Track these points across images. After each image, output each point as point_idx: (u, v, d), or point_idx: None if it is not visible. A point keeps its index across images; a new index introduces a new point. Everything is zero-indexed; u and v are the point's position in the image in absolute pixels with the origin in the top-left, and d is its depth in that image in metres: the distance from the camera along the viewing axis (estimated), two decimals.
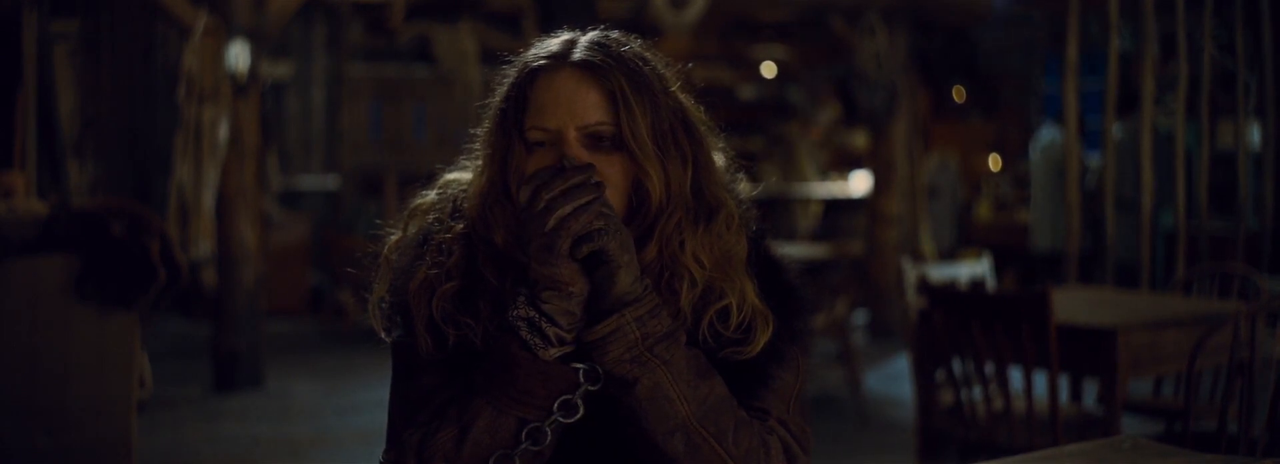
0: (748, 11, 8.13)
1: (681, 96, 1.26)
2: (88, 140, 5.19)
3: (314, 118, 8.90)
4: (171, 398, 5.12)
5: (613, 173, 1.17)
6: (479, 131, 1.27)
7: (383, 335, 1.26)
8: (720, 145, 1.29)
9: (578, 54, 1.20)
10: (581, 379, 1.13)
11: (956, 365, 3.05)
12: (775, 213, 9.08)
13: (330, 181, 8.77)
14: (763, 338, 1.21)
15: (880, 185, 7.32)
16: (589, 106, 1.17)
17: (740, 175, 1.32)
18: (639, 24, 7.81)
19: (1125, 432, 2.91)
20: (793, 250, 5.83)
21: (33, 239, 2.62)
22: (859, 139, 9.52)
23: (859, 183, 8.89)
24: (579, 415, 1.13)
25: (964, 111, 10.27)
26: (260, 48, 5.39)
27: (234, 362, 5.41)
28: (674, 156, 1.19)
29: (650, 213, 1.18)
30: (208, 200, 5.21)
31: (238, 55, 5.25)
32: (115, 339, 2.63)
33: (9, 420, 2.55)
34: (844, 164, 9.79)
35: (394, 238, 1.31)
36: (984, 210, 9.48)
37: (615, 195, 1.17)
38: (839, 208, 9.30)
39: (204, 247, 5.23)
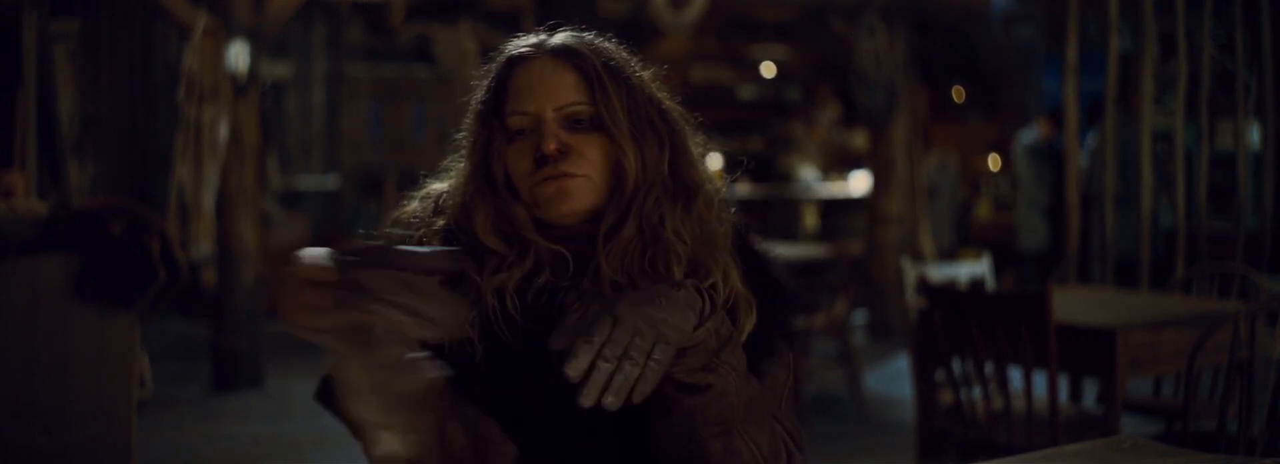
0: (747, 11, 8.14)
1: (658, 91, 1.28)
2: (88, 140, 5.19)
3: (314, 118, 8.90)
4: (171, 398, 5.12)
5: (591, 152, 1.19)
6: (460, 132, 1.29)
7: None
8: (699, 138, 1.30)
9: (553, 41, 1.24)
10: None
11: (956, 365, 3.05)
12: (775, 213, 9.07)
13: (330, 181, 8.76)
14: (746, 326, 1.20)
15: (880, 185, 7.32)
16: (566, 87, 1.20)
17: (724, 175, 1.34)
18: (639, 24, 7.81)
19: (1125, 431, 2.91)
20: (793, 250, 5.83)
21: (33, 239, 2.62)
22: (859, 139, 9.52)
23: (859, 183, 8.89)
24: None
25: (964, 111, 10.27)
26: (260, 48, 5.39)
27: (234, 361, 5.41)
28: (650, 138, 1.22)
29: (628, 191, 1.20)
30: (208, 200, 5.21)
31: (238, 55, 5.25)
32: (115, 339, 2.63)
33: (9, 420, 2.55)
34: (844, 164, 9.79)
35: None
36: (983, 210, 9.48)
37: (595, 174, 1.19)
38: (839, 208, 9.30)
39: (204, 246, 5.23)
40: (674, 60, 9.59)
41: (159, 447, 4.30)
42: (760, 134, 9.97)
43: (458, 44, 8.24)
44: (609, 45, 1.26)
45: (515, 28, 8.26)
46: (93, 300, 2.57)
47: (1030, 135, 7.58)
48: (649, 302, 1.07)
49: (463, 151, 1.28)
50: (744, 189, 8.91)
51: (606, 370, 1.02)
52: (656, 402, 1.13)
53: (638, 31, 8.35)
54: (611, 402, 1.01)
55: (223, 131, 5.22)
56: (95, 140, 5.37)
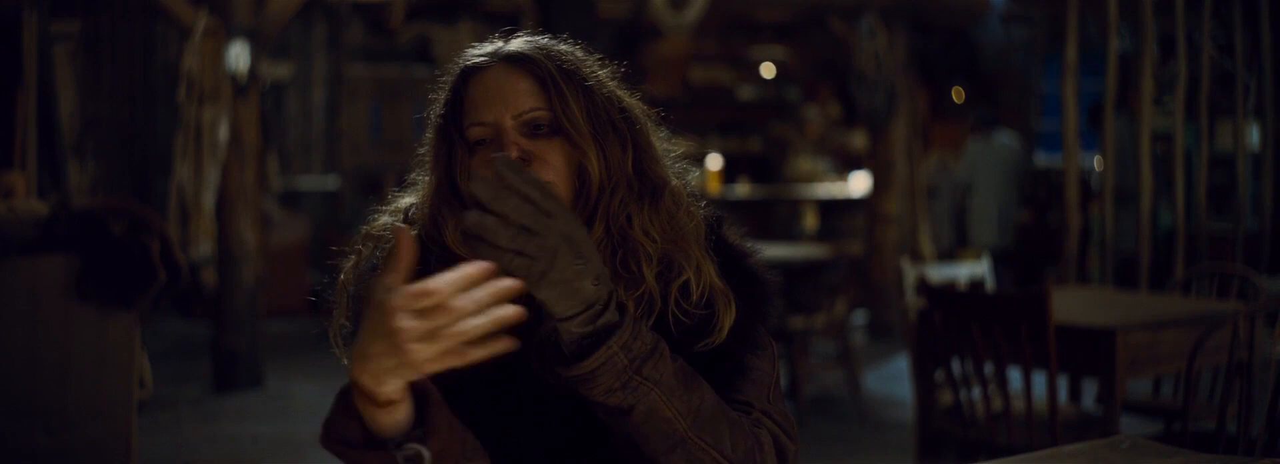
0: (747, 12, 8.13)
1: (619, 90, 1.28)
2: (88, 140, 5.19)
3: (314, 118, 8.90)
4: (171, 398, 5.13)
5: (553, 158, 1.19)
6: (422, 147, 1.29)
7: (345, 362, 1.26)
8: (663, 132, 1.30)
9: (507, 49, 1.24)
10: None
11: (956, 365, 3.05)
12: (775, 213, 9.07)
13: (330, 182, 8.77)
14: (727, 320, 1.20)
15: (879, 185, 7.32)
16: (522, 94, 1.20)
17: (692, 169, 1.33)
18: (639, 24, 7.81)
19: (1124, 431, 2.91)
20: (793, 250, 5.82)
21: (33, 239, 2.63)
22: (858, 139, 9.51)
23: (858, 183, 8.89)
24: None
25: (963, 112, 10.26)
26: (260, 48, 5.39)
27: (234, 362, 5.41)
28: (612, 139, 1.22)
29: (593, 194, 1.20)
30: (208, 200, 5.22)
31: (238, 55, 5.25)
32: (115, 339, 2.64)
33: (9, 420, 2.55)
34: (843, 164, 9.79)
35: (349, 264, 1.30)
36: None
37: (558, 179, 1.19)
38: (838, 208, 9.30)
39: (204, 246, 5.23)
40: (674, 60, 9.61)
41: (159, 447, 4.30)
42: (760, 135, 9.97)
43: (458, 44, 8.23)
44: (564, 47, 1.26)
45: (516, 28, 8.28)
46: (93, 300, 2.58)
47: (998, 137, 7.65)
48: (573, 252, 1.02)
49: (426, 165, 1.28)
50: (744, 189, 8.91)
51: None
52: (602, 428, 1.13)
53: (638, 31, 8.35)
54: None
55: (223, 132, 5.22)
56: (95, 140, 5.38)
